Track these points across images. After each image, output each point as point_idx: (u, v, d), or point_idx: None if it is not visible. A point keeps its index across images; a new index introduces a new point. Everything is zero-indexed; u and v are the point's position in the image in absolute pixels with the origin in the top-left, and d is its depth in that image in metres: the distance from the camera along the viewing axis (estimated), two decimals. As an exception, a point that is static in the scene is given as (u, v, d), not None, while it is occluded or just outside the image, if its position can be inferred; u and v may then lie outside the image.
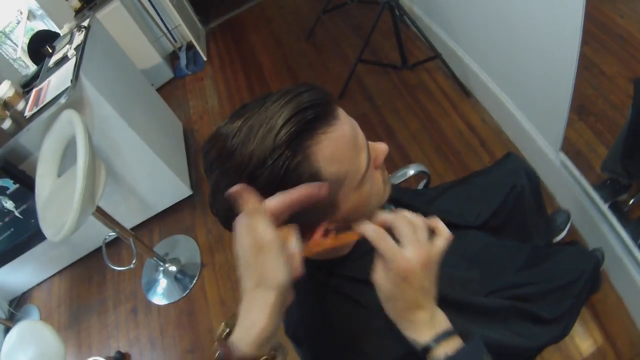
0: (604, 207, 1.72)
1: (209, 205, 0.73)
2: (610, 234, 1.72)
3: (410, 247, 0.65)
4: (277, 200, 0.61)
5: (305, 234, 0.66)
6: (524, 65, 1.89)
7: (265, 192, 0.62)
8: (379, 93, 2.59)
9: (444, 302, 0.83)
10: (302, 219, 0.65)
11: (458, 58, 2.34)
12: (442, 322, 0.71)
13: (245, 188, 0.60)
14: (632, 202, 1.81)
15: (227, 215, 0.68)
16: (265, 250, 0.57)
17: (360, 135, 0.73)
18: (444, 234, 0.71)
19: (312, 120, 0.65)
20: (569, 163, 1.83)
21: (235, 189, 0.60)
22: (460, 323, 0.90)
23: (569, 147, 1.84)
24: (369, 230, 0.67)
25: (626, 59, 1.84)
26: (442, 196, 1.39)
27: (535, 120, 2.00)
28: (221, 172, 0.67)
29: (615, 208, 1.73)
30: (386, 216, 0.69)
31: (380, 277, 0.67)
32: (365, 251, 0.78)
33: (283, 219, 0.62)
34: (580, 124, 1.89)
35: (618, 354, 1.68)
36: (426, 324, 0.68)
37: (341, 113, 0.71)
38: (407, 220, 0.68)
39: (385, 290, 0.67)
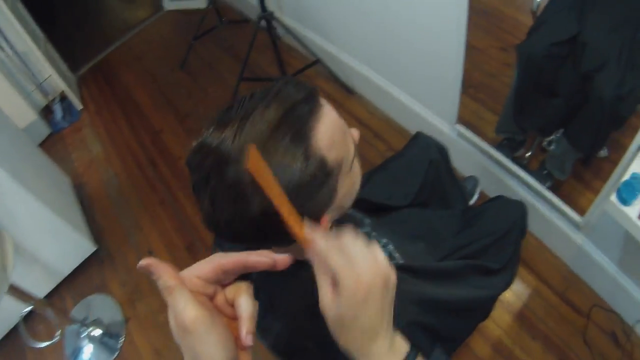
0: (509, 163, 1.90)
1: (205, 223, 0.69)
2: (519, 186, 1.91)
3: (364, 263, 0.53)
4: (229, 260, 0.56)
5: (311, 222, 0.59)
6: (408, 52, 2.03)
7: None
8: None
9: (409, 271, 0.87)
10: (306, 208, 0.64)
11: (337, 59, 2.44)
12: (401, 344, 0.62)
13: (154, 263, 0.52)
14: (529, 154, 2.03)
15: (235, 224, 0.65)
16: (189, 332, 0.50)
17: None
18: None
19: (307, 112, 0.66)
20: (467, 133, 2.00)
21: (143, 263, 0.52)
22: (429, 288, 0.96)
23: (461, 119, 2.02)
24: (319, 242, 0.54)
25: (493, 30, 2.04)
26: (367, 185, 1.47)
27: (426, 102, 2.16)
28: (221, 181, 0.63)
29: (517, 163, 1.92)
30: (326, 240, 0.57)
31: (329, 302, 0.55)
32: None
33: (237, 274, 0.57)
34: (463, 97, 2.07)
35: (553, 290, 1.85)
36: (386, 355, 0.59)
37: (323, 98, 0.72)
38: (353, 237, 0.56)
39: (339, 318, 0.55)
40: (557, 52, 1.64)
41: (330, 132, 0.67)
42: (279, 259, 0.56)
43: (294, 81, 0.69)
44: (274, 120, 0.63)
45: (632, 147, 1.37)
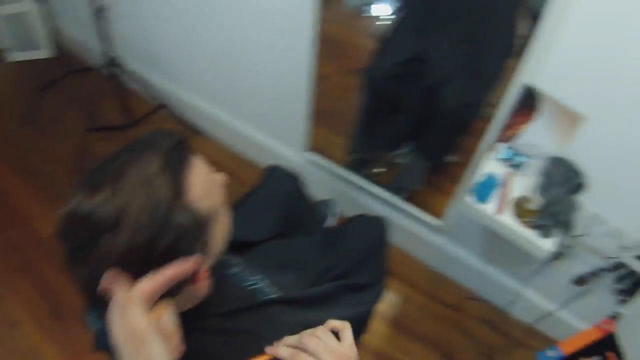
0: (363, 182, 2.00)
1: (83, 292, 0.63)
2: (376, 203, 2.02)
3: (327, 356, 0.69)
4: (151, 283, 0.58)
5: (190, 278, 0.66)
6: (255, 87, 2.05)
7: (151, 260, 0.60)
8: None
9: (287, 303, 0.92)
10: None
11: (183, 101, 2.36)
12: None
13: (117, 274, 0.58)
14: (381, 171, 2.13)
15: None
16: (145, 341, 0.55)
17: None
18: (346, 327, 0.79)
19: (178, 162, 0.65)
20: (318, 159, 2.07)
21: (106, 278, 0.57)
22: (310, 315, 0.99)
23: (312, 147, 2.07)
24: (284, 352, 0.71)
25: (335, 56, 2.14)
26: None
27: (275, 133, 2.18)
28: (99, 250, 0.59)
29: (371, 180, 2.03)
30: (290, 340, 0.74)
31: None
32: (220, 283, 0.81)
33: (156, 297, 0.60)
34: (311, 124, 2.14)
35: (422, 292, 1.98)
36: None
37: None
38: (309, 335, 0.73)
39: None
40: (400, 71, 1.76)
41: (201, 182, 0.68)
42: (188, 262, 0.62)
43: (166, 131, 0.69)
44: (155, 178, 0.61)
45: (481, 148, 1.55)
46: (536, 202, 1.36)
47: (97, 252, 0.59)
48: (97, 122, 2.57)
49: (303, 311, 1.01)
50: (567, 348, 1.29)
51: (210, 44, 2.01)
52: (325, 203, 2.13)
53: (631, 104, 1.20)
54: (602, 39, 1.15)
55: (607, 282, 1.53)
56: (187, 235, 0.63)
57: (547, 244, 1.35)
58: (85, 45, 2.91)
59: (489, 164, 1.48)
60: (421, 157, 1.93)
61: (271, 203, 1.46)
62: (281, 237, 1.42)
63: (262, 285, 1.09)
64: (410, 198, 2.03)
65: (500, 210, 1.39)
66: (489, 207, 1.40)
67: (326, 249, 1.40)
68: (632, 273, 1.45)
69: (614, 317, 1.61)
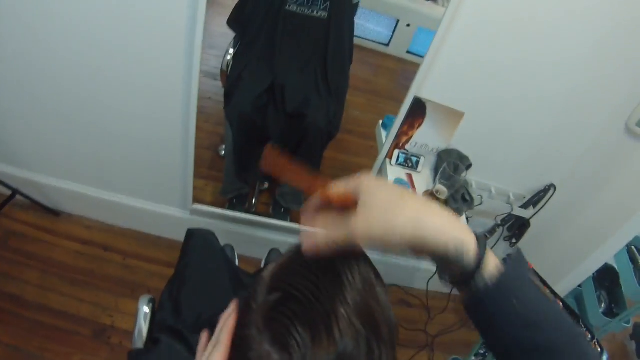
0: (247, 217, 1.98)
1: None
2: (268, 233, 2.03)
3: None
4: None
5: None
6: (126, 157, 1.79)
7: None
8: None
9: None
10: None
11: (37, 184, 1.98)
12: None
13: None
14: (255, 202, 2.15)
15: None
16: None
17: None
18: None
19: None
20: (203, 208, 1.95)
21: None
22: None
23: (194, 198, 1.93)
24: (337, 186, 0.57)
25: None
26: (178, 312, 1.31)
27: (154, 197, 1.98)
28: None
29: (253, 214, 2.03)
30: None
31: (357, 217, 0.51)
32: None
33: None
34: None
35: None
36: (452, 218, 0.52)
37: None
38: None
39: (374, 214, 0.51)
40: (261, 102, 1.75)
41: None
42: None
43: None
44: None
45: (379, 159, 1.69)
46: (442, 191, 1.57)
47: None
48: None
49: None
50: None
51: (62, 117, 1.65)
52: (226, 249, 2.08)
53: (494, 99, 1.48)
54: (472, 54, 1.40)
55: (498, 235, 1.86)
56: None
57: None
58: None
59: (391, 170, 1.64)
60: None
61: (216, 274, 1.35)
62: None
63: None
64: (296, 219, 2.06)
65: (417, 209, 1.56)
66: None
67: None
68: (518, 219, 1.79)
69: (509, 258, 1.97)
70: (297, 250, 0.57)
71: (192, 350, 0.93)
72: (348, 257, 0.55)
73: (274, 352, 0.47)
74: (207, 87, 2.31)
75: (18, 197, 1.91)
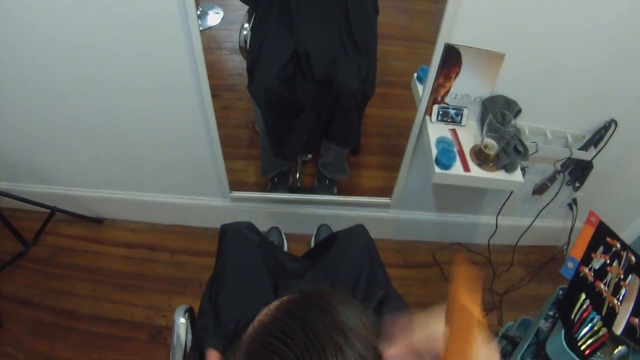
0: (291, 195, 1.93)
1: None
2: (315, 208, 1.96)
3: None
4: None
5: None
6: (156, 157, 1.79)
7: None
8: (29, 291, 1.91)
9: None
10: None
11: (72, 197, 1.99)
12: None
13: None
14: (299, 176, 2.08)
15: None
16: None
17: None
18: None
19: None
20: (241, 195, 1.91)
21: None
22: None
23: (231, 185, 1.89)
24: None
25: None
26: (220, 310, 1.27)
27: (192, 190, 1.95)
28: None
29: (297, 190, 1.98)
30: None
31: None
32: None
33: None
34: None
35: (396, 266, 1.99)
36: None
37: None
38: None
39: None
40: (287, 73, 1.64)
41: None
42: None
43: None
44: None
45: (417, 118, 1.55)
46: (491, 145, 1.42)
47: None
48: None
49: None
50: (578, 253, 1.40)
51: (85, 132, 1.64)
52: (272, 232, 2.02)
53: (537, 33, 1.30)
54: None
55: (560, 181, 1.70)
56: None
57: (517, 176, 1.43)
58: None
59: (432, 128, 1.50)
60: (339, 145, 1.86)
61: (254, 270, 1.30)
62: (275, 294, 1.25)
63: None
64: (343, 189, 2.00)
65: (466, 167, 1.42)
66: (457, 169, 1.43)
67: (325, 280, 1.32)
68: (579, 162, 1.62)
69: (573, 203, 1.82)
70: (283, 311, 0.58)
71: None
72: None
73: None
74: (235, 64, 2.23)
75: (58, 213, 1.91)
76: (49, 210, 1.85)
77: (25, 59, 1.44)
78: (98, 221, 2.08)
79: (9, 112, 1.65)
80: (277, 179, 2.02)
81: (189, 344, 1.11)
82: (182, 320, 1.11)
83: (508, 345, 1.61)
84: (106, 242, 2.04)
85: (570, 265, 1.39)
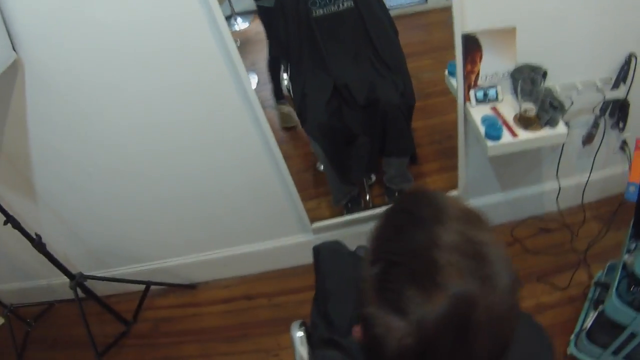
0: (365, 213, 2.09)
1: None
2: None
3: None
4: None
5: None
6: (238, 210, 1.99)
7: None
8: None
9: None
10: None
11: (165, 269, 2.20)
12: None
13: None
14: (369, 198, 2.24)
15: None
16: None
17: None
18: None
19: None
20: (322, 224, 2.09)
21: None
22: None
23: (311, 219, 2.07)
24: None
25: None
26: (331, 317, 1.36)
27: (279, 233, 2.13)
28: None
29: (370, 209, 2.12)
30: None
31: None
32: None
33: None
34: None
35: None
36: None
37: None
38: None
39: None
40: (333, 107, 1.86)
41: None
42: None
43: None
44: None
45: (459, 108, 1.70)
46: (529, 108, 1.56)
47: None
48: (99, 345, 2.16)
49: None
50: (636, 177, 1.49)
51: (165, 203, 1.92)
52: (360, 249, 2.14)
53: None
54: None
55: (604, 126, 1.81)
56: None
57: (561, 129, 1.55)
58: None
59: (474, 111, 1.65)
60: (398, 157, 2.04)
61: (352, 277, 1.39)
62: None
63: None
64: None
65: (514, 134, 1.56)
66: (506, 138, 1.57)
67: None
68: (615, 102, 1.72)
69: (625, 144, 1.90)
70: (384, 217, 0.59)
71: (346, 351, 0.94)
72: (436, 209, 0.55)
73: (395, 319, 0.49)
74: (277, 120, 2.41)
75: (153, 287, 2.08)
76: (142, 287, 2.00)
77: (108, 150, 1.71)
78: (191, 287, 2.24)
79: (93, 202, 1.88)
80: (350, 205, 2.18)
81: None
82: (300, 333, 1.13)
83: (604, 290, 1.67)
84: (203, 303, 2.20)
85: (632, 189, 1.49)
